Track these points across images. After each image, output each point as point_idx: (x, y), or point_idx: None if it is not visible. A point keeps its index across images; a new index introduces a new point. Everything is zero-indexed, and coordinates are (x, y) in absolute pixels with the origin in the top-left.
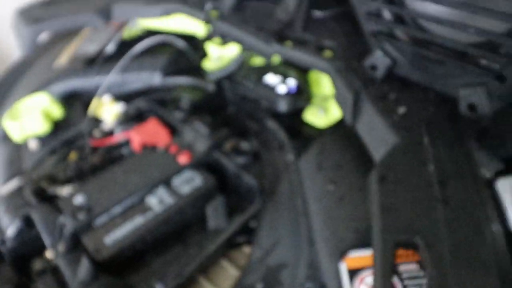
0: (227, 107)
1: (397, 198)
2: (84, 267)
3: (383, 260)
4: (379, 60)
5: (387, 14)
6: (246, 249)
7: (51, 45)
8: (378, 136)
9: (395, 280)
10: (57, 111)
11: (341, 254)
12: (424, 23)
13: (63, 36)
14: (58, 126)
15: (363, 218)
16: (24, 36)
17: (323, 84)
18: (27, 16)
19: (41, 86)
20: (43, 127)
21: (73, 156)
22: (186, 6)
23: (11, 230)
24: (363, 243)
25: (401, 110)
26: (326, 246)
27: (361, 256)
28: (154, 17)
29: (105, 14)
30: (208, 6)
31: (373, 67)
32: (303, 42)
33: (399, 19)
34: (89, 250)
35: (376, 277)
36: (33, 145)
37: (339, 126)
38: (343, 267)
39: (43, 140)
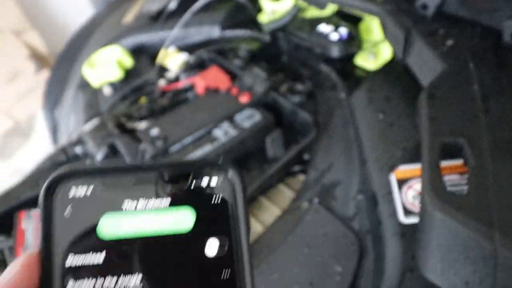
0: (281, 56)
1: (444, 111)
2: None
3: (431, 158)
4: None
5: None
6: (301, 177)
7: (118, 3)
8: (427, 66)
9: None
10: (129, 61)
11: (391, 167)
12: None
13: None
14: (129, 74)
15: (412, 138)
16: None
17: (373, 31)
18: None
19: (113, 40)
20: (117, 75)
21: (143, 100)
22: None
23: (99, 156)
24: (411, 160)
25: (449, 42)
26: (377, 162)
27: (409, 169)
28: None
29: None
30: None
31: (424, 6)
32: None
33: None
34: None
35: (424, 172)
36: (108, 90)
37: (387, 67)
38: (393, 178)
39: (117, 86)
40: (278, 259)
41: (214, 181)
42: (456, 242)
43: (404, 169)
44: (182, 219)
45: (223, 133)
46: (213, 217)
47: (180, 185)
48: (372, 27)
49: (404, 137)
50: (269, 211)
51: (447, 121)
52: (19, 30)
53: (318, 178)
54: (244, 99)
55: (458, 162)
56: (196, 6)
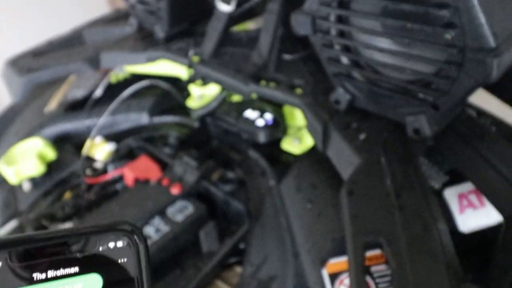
0: (211, 141)
1: (363, 208)
2: None
3: (355, 259)
4: (341, 95)
5: (344, 59)
6: (237, 269)
7: (40, 91)
8: (344, 159)
9: (368, 279)
10: (51, 153)
11: (322, 261)
12: (375, 66)
13: (51, 83)
14: (51, 167)
15: (338, 229)
16: (17, 86)
17: (296, 116)
18: (19, 66)
19: (34, 130)
20: (38, 169)
21: (68, 195)
22: (170, 52)
23: None
24: (340, 251)
25: (362, 136)
26: (309, 256)
27: (339, 261)
28: (140, 64)
29: (94, 63)
30: (191, 52)
31: (337, 102)
32: (277, 82)
33: (355, 63)
34: None
35: (351, 274)
36: (27, 186)
37: (312, 152)
38: (325, 273)
39: (38, 181)
40: None
41: (119, 245)
42: None
43: (335, 262)
44: (90, 286)
45: (155, 230)
46: (120, 280)
47: (87, 252)
48: (295, 112)
49: (332, 227)
50: None
51: (366, 220)
52: None
53: (254, 272)
54: (175, 190)
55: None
56: (124, 94)
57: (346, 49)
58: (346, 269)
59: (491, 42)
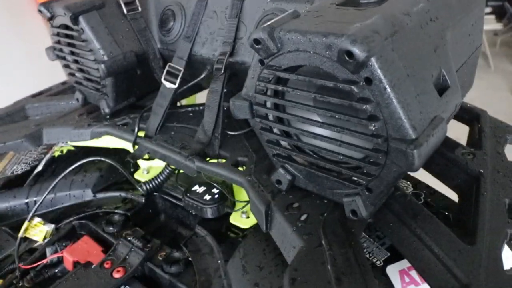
0: (158, 216)
1: None
2: None
3: None
4: (281, 176)
5: (284, 143)
6: None
7: None
8: (287, 241)
9: None
10: None
11: None
12: (313, 150)
13: None
14: None
15: None
16: None
17: (244, 191)
18: None
19: None
20: None
21: (0, 282)
22: (115, 129)
23: None
24: None
25: (303, 217)
26: None
27: None
28: (84, 140)
29: (36, 139)
30: (136, 129)
31: (278, 182)
32: (221, 159)
33: (294, 147)
34: None
35: None
36: None
37: (258, 227)
38: None
39: None
40: None
41: None
42: None
43: None
44: None
45: None
46: None
47: None
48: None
49: None
50: None
51: None
52: None
53: None
54: (118, 274)
55: None
56: (68, 170)
57: (285, 134)
58: None
59: (411, 133)
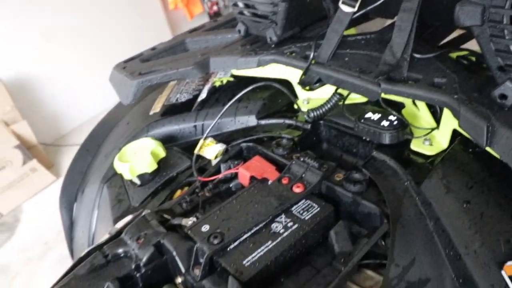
0: (321, 144)
1: None
2: (233, 286)
3: None
4: (508, 89)
5: None
6: (367, 272)
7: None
8: None
9: None
10: (162, 152)
11: (498, 264)
12: None
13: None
14: (160, 166)
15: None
16: (129, 88)
17: (419, 117)
18: (130, 71)
19: (141, 132)
20: (151, 167)
21: (178, 193)
22: (283, 56)
23: (144, 257)
24: None
25: None
26: (477, 259)
27: None
28: (250, 68)
29: (204, 67)
30: (312, 55)
31: (502, 96)
32: (414, 81)
33: None
34: (231, 272)
35: None
36: (139, 183)
37: (451, 153)
38: (505, 275)
39: (148, 178)
40: None
41: None
42: None
43: None
44: None
45: (283, 227)
46: None
47: None
48: (417, 114)
49: (504, 228)
50: None
51: None
52: (9, 120)
53: (401, 274)
54: (298, 189)
55: None
56: (236, 97)
57: None
58: None
59: None
